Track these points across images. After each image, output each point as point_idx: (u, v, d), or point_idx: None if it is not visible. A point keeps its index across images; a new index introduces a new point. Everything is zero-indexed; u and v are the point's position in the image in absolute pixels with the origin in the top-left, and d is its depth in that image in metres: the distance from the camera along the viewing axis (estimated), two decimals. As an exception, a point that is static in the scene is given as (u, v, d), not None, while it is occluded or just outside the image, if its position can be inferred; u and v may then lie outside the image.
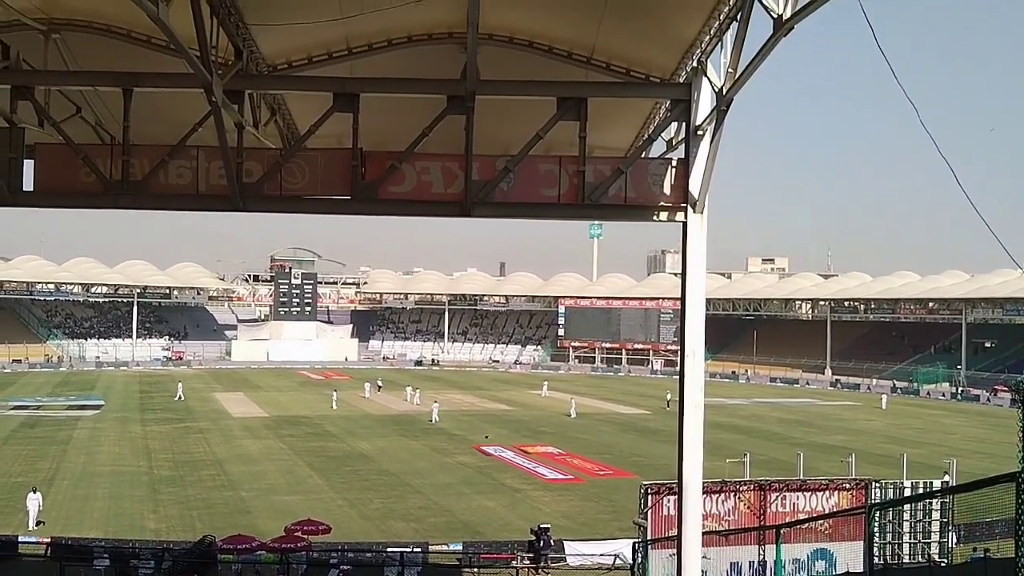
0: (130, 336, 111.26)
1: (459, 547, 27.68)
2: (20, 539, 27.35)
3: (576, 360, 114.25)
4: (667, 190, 12.54)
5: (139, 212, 13.46)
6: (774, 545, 19.43)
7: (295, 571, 24.28)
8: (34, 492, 30.23)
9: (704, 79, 11.77)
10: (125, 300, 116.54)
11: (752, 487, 22.90)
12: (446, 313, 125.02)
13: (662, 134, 13.67)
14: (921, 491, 24.86)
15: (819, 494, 22.91)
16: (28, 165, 12.65)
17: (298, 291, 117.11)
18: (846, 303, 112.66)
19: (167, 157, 12.34)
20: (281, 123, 15.28)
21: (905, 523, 23.16)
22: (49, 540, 26.97)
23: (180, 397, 68.52)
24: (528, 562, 26.42)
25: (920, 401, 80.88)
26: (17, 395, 68.97)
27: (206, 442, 48.39)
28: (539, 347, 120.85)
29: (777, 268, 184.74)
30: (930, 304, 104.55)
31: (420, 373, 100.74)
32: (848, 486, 23.35)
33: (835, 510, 22.45)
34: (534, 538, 27.08)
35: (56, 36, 12.72)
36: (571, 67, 13.17)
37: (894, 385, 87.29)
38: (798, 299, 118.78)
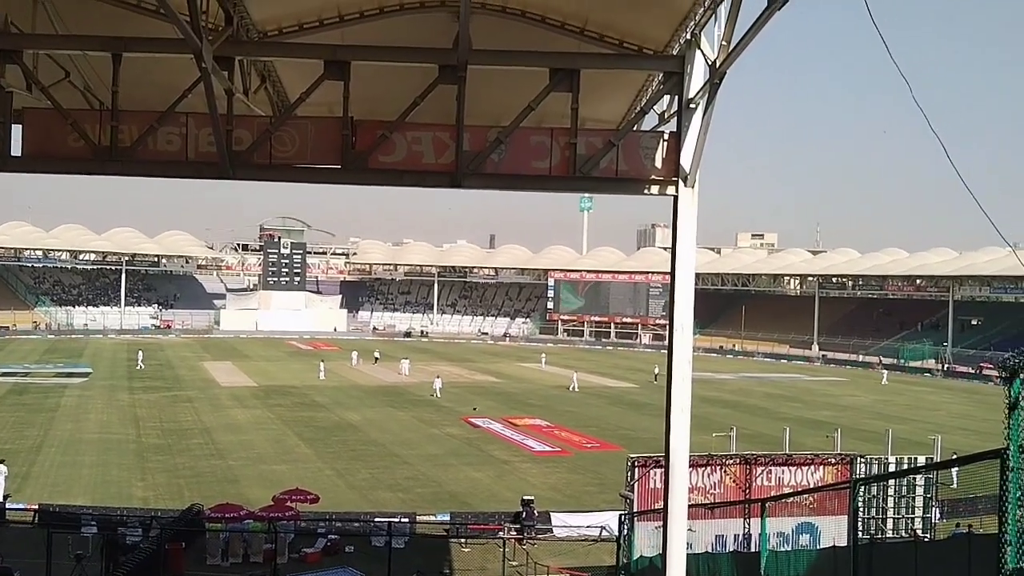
0: (118, 304, 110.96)
1: (446, 518, 27.84)
2: (8, 506, 27.37)
3: (564, 333, 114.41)
4: (658, 163, 12.46)
5: (127, 179, 13.37)
6: (759, 518, 19.55)
7: (283, 540, 24.36)
8: (1, 463, 28.89)
9: (697, 52, 11.68)
10: (113, 268, 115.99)
11: (738, 461, 23.10)
12: (435, 285, 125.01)
13: (654, 107, 13.58)
14: (905, 467, 25.06)
15: (804, 468, 23.09)
16: (16, 130, 12.52)
17: (287, 261, 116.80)
18: (834, 279, 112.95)
19: (156, 123, 12.21)
20: (271, 90, 15.13)
21: (889, 498, 23.33)
22: (36, 507, 26.99)
23: (140, 367, 68.07)
24: (514, 533, 26.57)
25: (906, 378, 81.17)
26: (5, 362, 68.78)
27: (194, 411, 48.43)
28: (528, 320, 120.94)
29: (766, 243, 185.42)
30: (918, 281, 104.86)
31: (409, 345, 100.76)
32: (833, 461, 23.55)
33: (820, 485, 22.62)
34: (521, 509, 27.25)
35: (45, -1, 12.56)
36: (564, 38, 13.07)
37: (880, 361, 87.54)
38: (786, 275, 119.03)
